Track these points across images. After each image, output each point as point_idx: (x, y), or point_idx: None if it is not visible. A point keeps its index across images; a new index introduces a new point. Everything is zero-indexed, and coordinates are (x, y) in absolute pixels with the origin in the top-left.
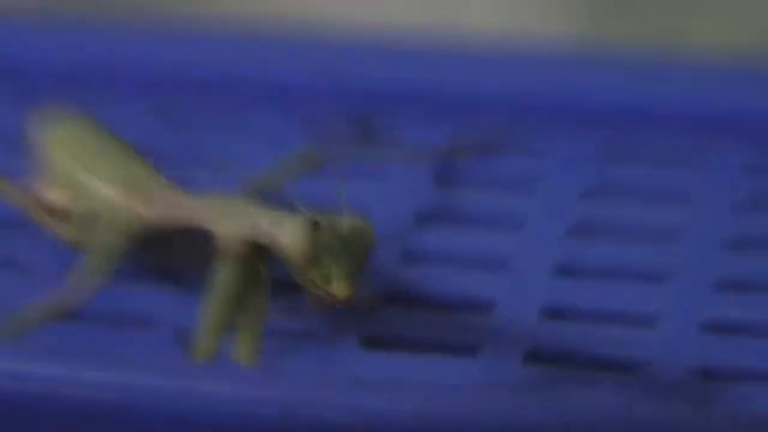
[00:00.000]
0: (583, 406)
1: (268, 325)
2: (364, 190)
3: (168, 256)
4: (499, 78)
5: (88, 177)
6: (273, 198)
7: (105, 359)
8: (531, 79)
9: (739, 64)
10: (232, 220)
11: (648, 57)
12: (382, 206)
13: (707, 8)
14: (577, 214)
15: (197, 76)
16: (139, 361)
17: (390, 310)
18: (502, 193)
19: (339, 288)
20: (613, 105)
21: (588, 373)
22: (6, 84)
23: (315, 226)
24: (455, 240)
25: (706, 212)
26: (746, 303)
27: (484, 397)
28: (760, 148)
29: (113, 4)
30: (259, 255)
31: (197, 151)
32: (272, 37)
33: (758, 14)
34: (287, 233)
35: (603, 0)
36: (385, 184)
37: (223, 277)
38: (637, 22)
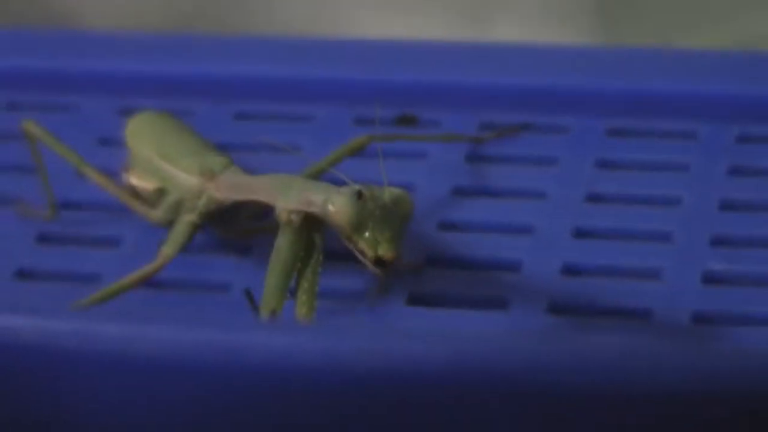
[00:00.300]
0: (598, 350)
1: (324, 285)
2: (406, 168)
3: (237, 229)
4: (518, 75)
5: (169, 166)
6: (325, 178)
7: (186, 319)
8: (548, 71)
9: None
10: (289, 195)
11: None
12: (422, 182)
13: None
14: (590, 184)
15: (267, 80)
16: (216, 320)
17: (431, 271)
18: (525, 168)
19: (383, 251)
20: (617, 92)
21: (602, 321)
22: (106, 92)
23: (359, 195)
24: (486, 209)
25: (701, 180)
26: (736, 257)
27: (512, 342)
28: (746, 125)
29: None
30: (313, 225)
31: (265, 140)
32: (321, 43)
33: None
34: (336, 204)
35: (627, 21)
36: (425, 162)
37: (283, 245)
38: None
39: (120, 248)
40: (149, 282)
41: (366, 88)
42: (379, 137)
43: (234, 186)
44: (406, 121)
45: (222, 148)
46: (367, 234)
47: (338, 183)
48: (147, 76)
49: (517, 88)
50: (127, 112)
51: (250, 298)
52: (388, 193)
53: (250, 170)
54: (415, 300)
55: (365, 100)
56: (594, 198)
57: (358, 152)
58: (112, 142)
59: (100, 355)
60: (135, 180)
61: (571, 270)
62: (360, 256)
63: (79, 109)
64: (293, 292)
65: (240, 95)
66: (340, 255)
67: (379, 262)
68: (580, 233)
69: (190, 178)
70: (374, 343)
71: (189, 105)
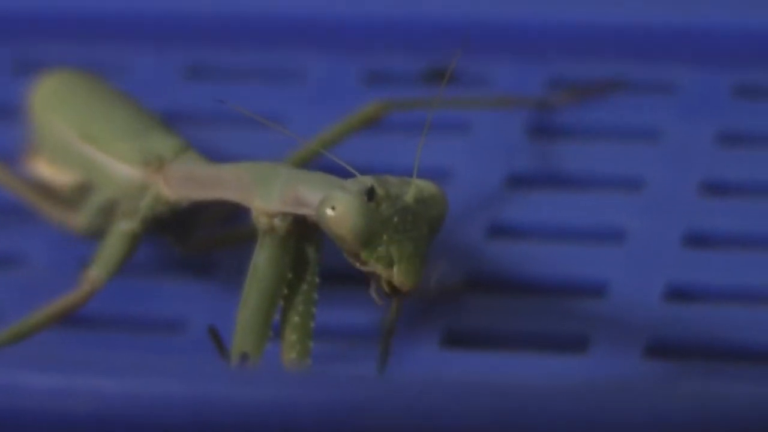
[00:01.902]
0: (722, 413)
1: (319, 318)
2: (439, 147)
3: (196, 240)
4: (600, 8)
5: (96, 151)
6: (322, 165)
7: (124, 366)
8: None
9: None
10: (270, 192)
11: None
12: (462, 167)
13: None
14: (708, 169)
15: (231, 14)
16: (166, 367)
17: (475, 297)
18: (614, 146)
19: (400, 274)
20: (748, 31)
21: (724, 366)
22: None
23: (369, 194)
24: (555, 207)
25: None
26: None
27: (597, 400)
28: None
29: None
30: (305, 234)
31: (233, 108)
32: None
33: None
34: (338, 206)
35: None
36: (465, 138)
37: (261, 263)
38: None
39: (24, 269)
40: (72, 317)
41: (379, 28)
42: (400, 102)
43: (191, 180)
44: (438, 76)
45: (170, 120)
46: (380, 249)
47: (340, 173)
48: (54, 13)
49: (601, 26)
50: (26, 67)
51: (216, 338)
52: (414, 188)
53: (213, 156)
54: (453, 339)
55: (378, 47)
56: (714, 188)
57: (370, 125)
58: (6, 112)
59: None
60: (45, 170)
61: (679, 293)
62: (369, 279)
63: None
64: (278, 330)
65: (194, 40)
66: (344, 273)
67: (395, 288)
68: (694, 240)
69: (128, 168)
70: (391, 401)
71: (119, 56)
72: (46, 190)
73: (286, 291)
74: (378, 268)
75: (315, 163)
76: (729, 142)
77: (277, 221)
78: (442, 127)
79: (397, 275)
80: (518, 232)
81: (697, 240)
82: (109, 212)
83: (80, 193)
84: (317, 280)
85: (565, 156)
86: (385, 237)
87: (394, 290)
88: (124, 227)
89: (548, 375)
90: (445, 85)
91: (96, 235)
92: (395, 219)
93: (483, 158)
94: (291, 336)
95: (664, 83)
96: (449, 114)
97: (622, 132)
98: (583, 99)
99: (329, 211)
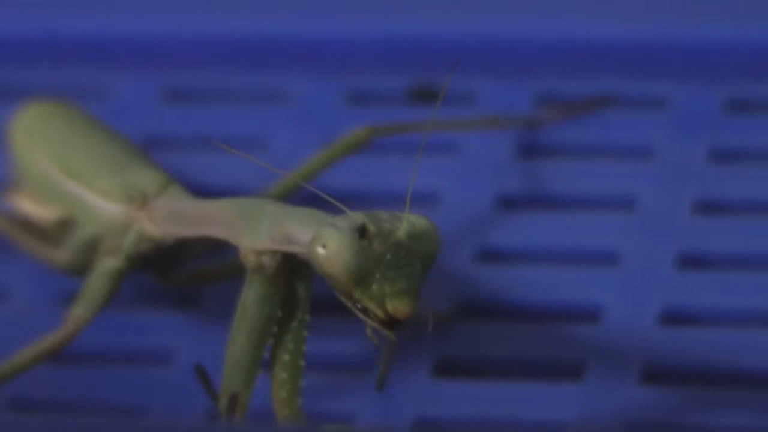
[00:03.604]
0: None
1: (313, 352)
2: (428, 169)
3: (182, 274)
4: (591, 20)
5: (78, 186)
6: (312, 194)
7: (109, 406)
8: (636, 16)
9: None
10: (259, 229)
11: None
12: (451, 189)
13: None
14: (701, 186)
15: (211, 35)
16: (153, 407)
17: (466, 325)
18: (605, 164)
19: (394, 306)
20: (739, 45)
21: (720, 392)
22: None
23: (361, 231)
24: (546, 229)
25: None
26: None
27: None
28: None
29: None
30: (294, 270)
31: (214, 135)
32: None
33: None
34: (329, 244)
35: None
36: (454, 159)
37: (250, 301)
38: None
39: (6, 305)
40: (57, 355)
41: (362, 47)
42: (388, 128)
43: (176, 217)
44: (425, 95)
45: (151, 144)
46: (373, 287)
47: (329, 208)
48: (30, 37)
49: (590, 41)
50: (2, 92)
51: (204, 377)
52: (406, 224)
53: (195, 182)
54: (444, 368)
55: (362, 66)
56: (708, 206)
57: (357, 150)
58: None
59: None
60: (27, 204)
61: (674, 317)
62: (362, 316)
63: None
64: (268, 367)
65: (174, 62)
66: (333, 305)
67: (389, 321)
68: (689, 261)
69: (111, 205)
70: None
71: (97, 80)
72: (28, 225)
73: (275, 329)
74: (371, 306)
75: (300, 193)
76: (722, 159)
77: (265, 259)
78: (429, 148)
79: (390, 305)
80: (509, 256)
81: (693, 261)
82: (92, 248)
83: (63, 229)
84: (307, 317)
85: (556, 176)
86: (377, 275)
87: (388, 325)
88: (107, 265)
89: (543, 403)
90: (436, 107)
91: (79, 271)
92: (388, 256)
93: (472, 180)
94: (281, 374)
95: (654, 99)
96: (436, 136)
97: (613, 150)
98: (573, 116)
99: (320, 250)
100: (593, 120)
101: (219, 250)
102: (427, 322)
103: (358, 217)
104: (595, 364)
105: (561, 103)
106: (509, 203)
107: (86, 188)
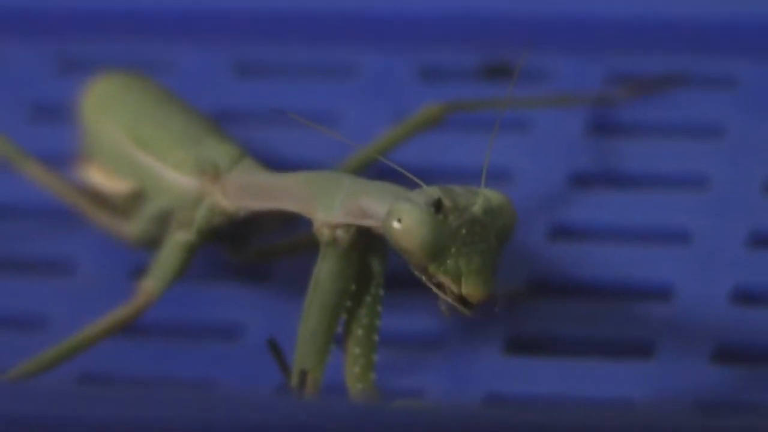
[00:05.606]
0: None
1: (387, 329)
2: (500, 147)
3: (254, 249)
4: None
5: (150, 158)
6: (386, 168)
7: (178, 380)
8: None
9: None
10: (333, 203)
11: None
12: (524, 167)
13: None
14: None
15: (281, 10)
16: (222, 381)
17: (538, 302)
18: (679, 143)
19: (471, 288)
20: None
21: None
22: (36, 33)
23: (436, 206)
24: (619, 207)
25: None
26: None
27: (663, 411)
28: None
29: None
30: (370, 245)
31: (286, 109)
32: None
33: None
34: (404, 219)
35: None
36: (527, 137)
37: (324, 276)
38: None
39: (74, 278)
40: (127, 328)
41: (432, 23)
42: (461, 104)
43: (250, 190)
44: (496, 72)
45: (220, 119)
46: (448, 262)
47: (399, 177)
48: (99, 10)
49: (663, 19)
50: (73, 66)
51: (277, 351)
52: (481, 199)
53: (265, 157)
54: (516, 345)
55: (432, 42)
56: None
57: (431, 127)
58: (53, 113)
59: None
60: (97, 176)
61: (745, 295)
62: (437, 291)
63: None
64: (342, 343)
65: (244, 36)
66: (408, 281)
67: (464, 300)
68: (760, 239)
69: (184, 177)
70: (462, 418)
71: (167, 53)
72: (97, 197)
73: (349, 303)
74: (446, 281)
75: (373, 167)
76: None
77: (340, 233)
78: (501, 126)
79: (466, 287)
80: (580, 233)
81: (764, 239)
82: (162, 222)
83: (133, 202)
84: (382, 292)
85: (628, 154)
86: (453, 250)
87: (463, 302)
88: (179, 238)
89: (613, 381)
90: (511, 84)
91: (148, 244)
92: (463, 231)
93: (544, 157)
94: (354, 349)
95: (727, 78)
96: (508, 112)
97: (685, 128)
98: (644, 95)
99: (396, 224)
100: (665, 98)
101: (292, 224)
102: (499, 299)
103: (433, 191)
104: (666, 343)
105: (633, 81)
106: (581, 181)
107: (159, 160)
